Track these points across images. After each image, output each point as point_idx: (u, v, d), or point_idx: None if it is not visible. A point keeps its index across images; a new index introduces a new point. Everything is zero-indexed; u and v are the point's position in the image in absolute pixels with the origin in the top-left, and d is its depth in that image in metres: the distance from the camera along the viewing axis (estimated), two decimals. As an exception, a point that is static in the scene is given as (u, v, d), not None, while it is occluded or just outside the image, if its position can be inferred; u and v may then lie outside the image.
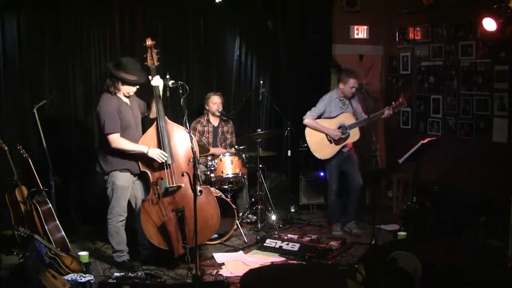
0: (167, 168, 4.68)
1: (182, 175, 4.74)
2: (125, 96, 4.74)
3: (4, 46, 5.69)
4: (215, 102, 6.17)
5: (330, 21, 7.18)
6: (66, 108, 6.13)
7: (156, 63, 4.78)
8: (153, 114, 4.90)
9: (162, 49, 6.39)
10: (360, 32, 7.12)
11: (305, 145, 5.91)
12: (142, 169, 4.71)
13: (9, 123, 5.81)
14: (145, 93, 4.94)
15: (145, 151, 4.60)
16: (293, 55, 7.43)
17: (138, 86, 4.77)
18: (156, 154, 4.60)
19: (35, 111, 5.62)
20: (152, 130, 4.76)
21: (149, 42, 4.80)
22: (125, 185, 4.72)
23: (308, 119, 5.82)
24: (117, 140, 4.57)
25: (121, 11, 6.28)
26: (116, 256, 4.82)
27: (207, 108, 6.23)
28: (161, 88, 4.78)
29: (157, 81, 4.73)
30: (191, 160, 4.52)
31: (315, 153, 5.86)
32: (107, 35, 6.23)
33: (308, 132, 5.86)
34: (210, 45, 6.94)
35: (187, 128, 4.56)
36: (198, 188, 4.72)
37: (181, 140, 4.79)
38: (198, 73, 6.90)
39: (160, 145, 4.69)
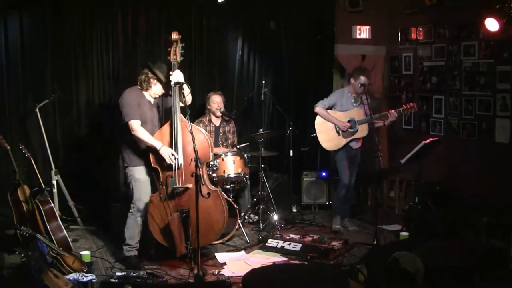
0: (177, 169, 4.69)
1: (192, 175, 4.71)
2: (151, 96, 4.86)
3: (7, 45, 5.71)
4: (216, 101, 6.16)
5: (333, 21, 7.17)
6: (69, 108, 6.14)
7: (178, 59, 4.78)
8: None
9: (164, 48, 6.44)
10: (363, 32, 7.09)
11: (314, 134, 5.95)
12: (153, 165, 4.75)
13: (11, 122, 5.82)
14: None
15: (158, 147, 4.63)
16: (295, 55, 7.43)
17: (164, 91, 4.88)
18: (167, 153, 4.62)
19: (37, 110, 5.64)
20: (166, 128, 4.79)
21: (174, 36, 4.78)
22: (143, 178, 4.82)
23: (319, 107, 5.90)
24: (136, 128, 4.64)
25: (123, 11, 6.29)
26: (125, 249, 4.88)
27: (209, 107, 6.22)
28: (182, 81, 4.74)
29: (177, 76, 4.71)
30: (193, 159, 4.51)
31: (322, 143, 5.95)
32: (109, 35, 6.24)
33: (318, 121, 5.94)
34: (212, 45, 6.94)
35: (189, 128, 4.56)
36: (207, 190, 4.75)
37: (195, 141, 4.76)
38: (200, 73, 6.91)
39: (172, 143, 4.71)
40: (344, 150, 5.89)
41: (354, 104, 5.89)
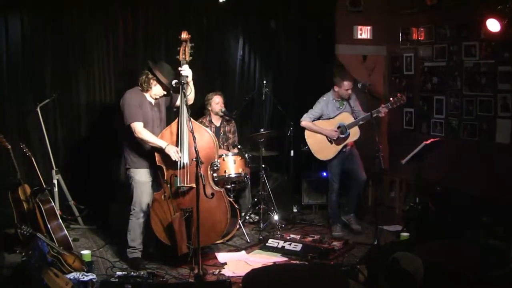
0: (182, 168, 4.69)
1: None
2: (152, 97, 4.84)
3: (7, 45, 5.71)
4: (217, 102, 6.16)
5: (333, 21, 7.18)
6: (69, 107, 6.14)
7: (187, 58, 4.78)
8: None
9: (165, 49, 6.45)
10: (364, 32, 7.10)
11: (306, 147, 5.92)
12: (158, 164, 4.75)
13: (12, 121, 5.82)
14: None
15: (163, 146, 4.63)
16: (296, 55, 7.43)
17: (166, 93, 4.86)
18: (172, 151, 4.62)
19: (38, 110, 5.65)
20: (173, 127, 4.79)
21: (184, 35, 4.78)
22: (144, 180, 4.82)
23: (305, 121, 5.85)
24: (140, 130, 4.65)
25: (124, 11, 6.29)
26: (128, 251, 4.89)
27: (210, 109, 6.21)
28: (190, 78, 4.76)
29: (185, 71, 4.73)
30: (193, 159, 4.51)
31: (316, 155, 5.87)
32: (110, 35, 6.24)
33: (307, 134, 5.88)
34: (213, 45, 6.94)
35: (190, 127, 4.56)
36: (211, 190, 4.75)
37: (200, 141, 4.74)
38: (201, 73, 6.90)
39: (177, 142, 4.71)
40: (338, 156, 5.82)
41: (340, 108, 5.83)
